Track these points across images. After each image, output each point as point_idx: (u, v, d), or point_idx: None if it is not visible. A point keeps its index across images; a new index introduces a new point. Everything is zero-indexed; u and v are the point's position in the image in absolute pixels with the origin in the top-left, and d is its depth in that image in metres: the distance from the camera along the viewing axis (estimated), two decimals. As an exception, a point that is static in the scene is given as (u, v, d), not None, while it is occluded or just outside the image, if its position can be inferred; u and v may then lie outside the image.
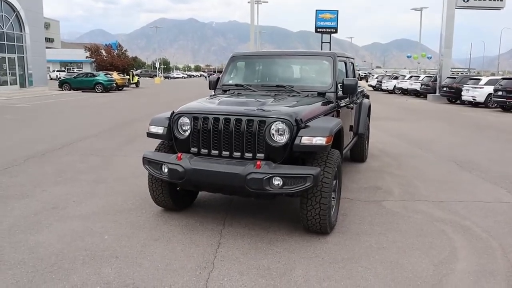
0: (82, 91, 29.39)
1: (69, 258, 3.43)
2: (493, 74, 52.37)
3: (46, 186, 5.59)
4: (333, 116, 4.71)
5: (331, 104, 4.72)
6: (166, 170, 3.87)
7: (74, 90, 30.12)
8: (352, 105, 5.88)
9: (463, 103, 22.31)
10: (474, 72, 78.38)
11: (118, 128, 11.39)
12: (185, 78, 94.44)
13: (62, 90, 30.32)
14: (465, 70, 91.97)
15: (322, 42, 37.47)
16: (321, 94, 4.79)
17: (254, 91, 4.96)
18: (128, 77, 37.13)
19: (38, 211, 4.57)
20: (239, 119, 3.76)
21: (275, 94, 4.65)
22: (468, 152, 8.45)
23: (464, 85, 21.86)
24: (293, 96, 4.68)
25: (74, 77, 31.93)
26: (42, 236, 3.89)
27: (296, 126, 3.67)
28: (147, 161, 4.08)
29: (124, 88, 34.38)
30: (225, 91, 5.20)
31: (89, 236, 3.89)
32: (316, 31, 37.35)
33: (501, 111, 18.99)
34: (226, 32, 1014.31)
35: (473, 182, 6.17)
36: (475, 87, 20.83)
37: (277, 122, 3.67)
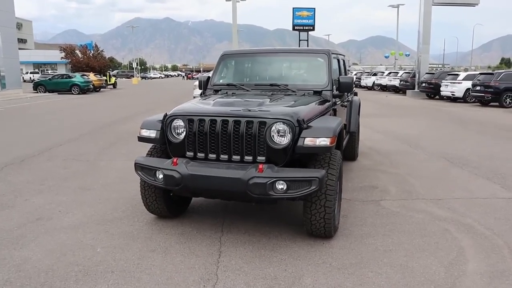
0: (58, 93, 28.50)
1: (60, 275, 3.18)
2: (466, 70, 53.60)
3: (28, 195, 5.27)
4: (330, 115, 4.57)
5: (328, 103, 4.57)
6: (161, 177, 3.64)
7: (49, 92, 29.16)
8: (346, 103, 5.76)
9: (442, 98, 22.67)
10: (448, 67, 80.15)
11: (99, 131, 11.01)
12: (162, 78, 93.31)
13: (37, 92, 29.34)
14: (440, 65, 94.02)
15: (299, 40, 37.48)
16: (317, 93, 4.65)
17: (247, 90, 4.77)
18: (105, 78, 36.30)
19: (22, 223, 4.27)
20: (238, 120, 3.57)
21: (272, 94, 4.47)
22: (456, 148, 8.48)
23: (442, 81, 22.20)
24: (289, 95, 4.51)
25: (49, 78, 30.96)
26: (29, 251, 3.61)
27: (298, 126, 3.51)
28: (139, 167, 3.85)
29: (101, 89, 33.58)
30: (216, 91, 4.99)
31: (80, 250, 3.62)
32: (293, 29, 37.31)
33: (479, 105, 19.36)
34: (202, 31, 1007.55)
35: (467, 178, 6.15)
36: (454, 83, 21.18)
37: (279, 123, 3.50)
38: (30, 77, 51.87)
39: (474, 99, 19.92)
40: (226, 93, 4.78)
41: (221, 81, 5.18)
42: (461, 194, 5.33)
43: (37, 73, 55.75)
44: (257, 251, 3.59)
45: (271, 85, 4.77)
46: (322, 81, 4.78)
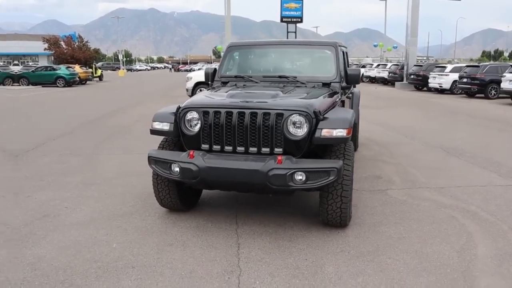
0: (42, 86, 27.85)
1: (79, 272, 3.13)
2: (450, 62, 54.46)
3: (29, 191, 5.13)
4: (339, 106, 4.60)
5: (337, 95, 4.60)
6: (176, 170, 3.62)
7: (32, 85, 28.43)
8: (350, 94, 5.81)
9: (430, 90, 22.99)
10: (433, 60, 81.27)
11: (91, 124, 10.85)
12: (148, 70, 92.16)
13: (20, 85, 28.67)
14: (424, 58, 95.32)
15: (287, 32, 37.31)
16: (326, 85, 4.67)
17: (256, 82, 4.76)
18: (91, 70, 35.67)
19: (28, 221, 4.15)
20: (255, 112, 3.57)
21: (283, 86, 4.47)
22: (451, 138, 8.64)
23: (430, 73, 22.51)
24: (299, 87, 4.52)
25: (33, 71, 30.16)
26: (41, 249, 3.53)
27: (315, 118, 3.54)
28: (153, 161, 3.82)
29: (88, 82, 32.99)
30: (224, 83, 4.97)
31: (95, 246, 3.58)
32: (281, 20, 37.06)
33: (466, 97, 19.71)
34: (188, 22, 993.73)
35: (464, 167, 6.29)
36: (441, 75, 21.51)
37: (296, 115, 3.52)
38: (11, 70, 50.55)
39: (460, 91, 20.27)
40: (235, 85, 4.76)
41: (228, 73, 5.15)
42: (461, 183, 5.46)
43: (18, 65, 54.41)
44: (275, 242, 3.62)
45: (280, 77, 4.77)
46: (331, 73, 4.80)
